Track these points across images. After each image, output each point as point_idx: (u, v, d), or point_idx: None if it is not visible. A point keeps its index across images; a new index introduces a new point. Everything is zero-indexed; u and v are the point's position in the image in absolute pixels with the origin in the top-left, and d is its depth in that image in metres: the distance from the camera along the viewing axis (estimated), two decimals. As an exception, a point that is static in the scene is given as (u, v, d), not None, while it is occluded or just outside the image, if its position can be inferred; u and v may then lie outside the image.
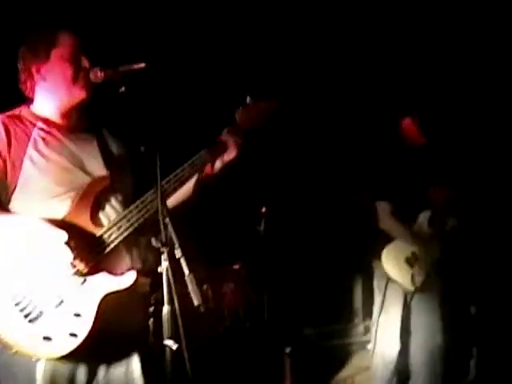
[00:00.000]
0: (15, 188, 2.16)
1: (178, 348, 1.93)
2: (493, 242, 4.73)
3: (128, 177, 2.41)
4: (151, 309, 3.43)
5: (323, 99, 5.33)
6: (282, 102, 2.60)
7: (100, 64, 2.25)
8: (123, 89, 2.14)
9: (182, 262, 1.91)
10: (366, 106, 5.33)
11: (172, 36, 4.60)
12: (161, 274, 1.95)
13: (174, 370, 1.98)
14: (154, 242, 1.95)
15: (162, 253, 1.93)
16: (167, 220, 1.97)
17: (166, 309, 1.94)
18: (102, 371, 2.24)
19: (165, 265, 1.93)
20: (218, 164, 2.47)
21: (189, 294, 1.90)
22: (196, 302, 1.89)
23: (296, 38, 5.13)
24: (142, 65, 2.17)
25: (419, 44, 5.23)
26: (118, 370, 2.27)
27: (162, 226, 1.96)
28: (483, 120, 5.16)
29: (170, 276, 1.93)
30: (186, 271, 1.91)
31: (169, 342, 1.93)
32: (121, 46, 3.53)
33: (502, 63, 5.11)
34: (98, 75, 2.23)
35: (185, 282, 1.91)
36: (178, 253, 1.92)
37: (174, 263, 1.94)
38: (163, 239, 1.95)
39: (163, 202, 2.03)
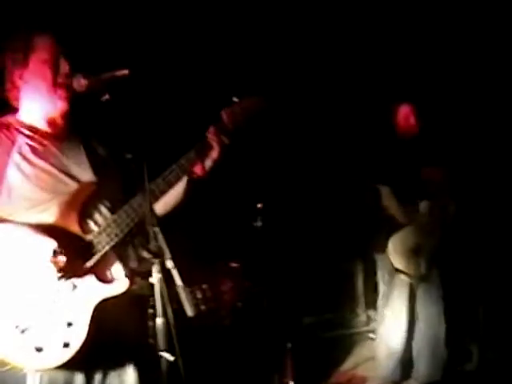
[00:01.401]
0: (0, 194, 2.13)
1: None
2: (492, 229, 4.73)
3: (115, 183, 2.38)
4: (151, 311, 3.40)
5: (317, 88, 5.29)
6: (272, 95, 2.58)
7: (82, 71, 2.21)
8: (107, 96, 2.11)
9: (174, 272, 1.88)
10: (359, 93, 5.30)
11: (154, 38, 4.56)
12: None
13: (169, 379, 1.96)
14: (145, 253, 1.92)
15: (153, 264, 1.90)
16: (157, 230, 1.94)
17: (159, 321, 1.92)
18: (97, 380, 2.21)
19: (157, 276, 1.90)
20: (205, 164, 2.44)
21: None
22: (189, 314, 1.87)
23: (284, 27, 5.08)
24: (126, 71, 2.13)
25: (412, 32, 5.20)
26: (113, 377, 2.24)
27: (151, 236, 1.93)
28: (477, 105, 5.14)
29: (164, 287, 1.90)
30: (179, 282, 1.88)
31: (165, 354, 1.91)
32: (102, 52, 3.49)
33: (494, 49, 5.08)
34: (81, 83, 2.19)
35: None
36: (169, 263, 1.89)
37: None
38: (154, 250, 1.92)
39: (152, 212, 1.99)
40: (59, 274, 2.04)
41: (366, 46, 5.30)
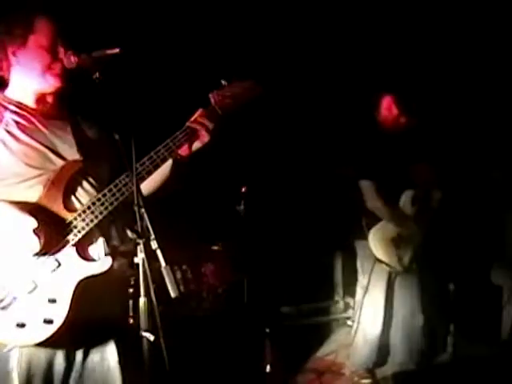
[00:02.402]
0: None
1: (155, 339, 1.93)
2: (473, 218, 4.77)
3: (102, 163, 2.37)
4: (131, 290, 3.41)
5: (303, 76, 5.29)
6: (259, 82, 2.56)
7: (73, 49, 2.20)
8: (97, 75, 2.10)
9: (158, 253, 1.90)
10: (346, 83, 5.31)
11: (145, 19, 4.54)
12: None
13: (151, 358, 1.97)
14: (129, 233, 1.93)
15: (138, 244, 1.91)
16: (142, 210, 1.95)
17: (142, 300, 1.93)
18: (78, 358, 2.23)
19: (141, 256, 1.91)
20: (192, 146, 2.43)
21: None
22: (173, 294, 1.88)
23: (273, 17, 5.08)
24: (117, 50, 2.13)
25: (399, 25, 5.21)
26: (94, 355, 2.26)
27: (137, 217, 1.94)
28: (464, 96, 5.18)
29: (147, 267, 1.91)
30: (163, 263, 1.89)
31: (146, 334, 1.93)
32: (94, 31, 3.47)
33: (485, 40, 5.10)
34: (71, 60, 2.19)
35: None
36: (153, 244, 1.90)
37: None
38: (139, 230, 1.92)
39: (139, 192, 2.00)
40: (41, 252, 2.04)
41: (352, 39, 5.30)
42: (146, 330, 1.94)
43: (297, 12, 5.12)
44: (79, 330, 2.10)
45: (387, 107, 4.24)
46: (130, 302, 3.30)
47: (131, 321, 3.33)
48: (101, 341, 2.27)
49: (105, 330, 2.26)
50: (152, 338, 1.92)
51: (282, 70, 5.02)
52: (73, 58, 2.19)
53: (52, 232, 2.06)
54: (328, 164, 4.82)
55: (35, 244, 2.02)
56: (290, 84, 5.17)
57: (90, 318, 2.12)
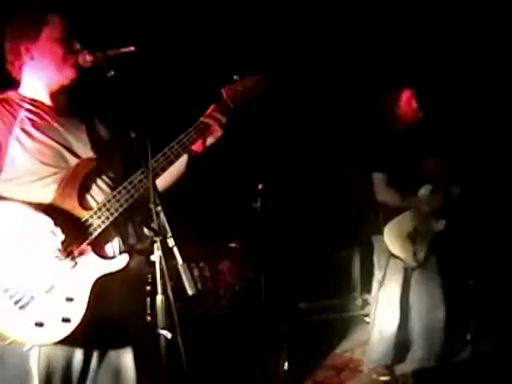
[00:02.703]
0: (2, 169, 2.13)
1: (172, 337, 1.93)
2: (492, 213, 4.73)
3: (116, 161, 2.38)
4: (148, 287, 3.41)
5: (317, 73, 5.29)
6: (272, 78, 2.57)
7: (88, 48, 2.20)
8: (112, 73, 2.10)
9: (175, 251, 1.89)
10: (360, 79, 5.29)
11: (159, 17, 4.55)
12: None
13: (168, 356, 1.97)
14: (146, 231, 1.93)
15: (155, 242, 1.91)
16: (159, 208, 1.94)
17: (159, 298, 1.93)
18: (95, 356, 2.23)
19: (158, 254, 1.91)
20: (205, 142, 2.44)
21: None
22: (190, 292, 1.88)
23: (283, 14, 5.07)
24: (132, 48, 2.13)
25: (410, 21, 5.19)
26: (111, 354, 2.27)
27: (154, 215, 1.93)
28: (478, 91, 5.14)
29: (164, 265, 1.91)
30: (180, 260, 1.89)
31: (163, 332, 1.92)
32: (107, 30, 3.48)
33: (492, 41, 5.07)
34: (86, 59, 2.19)
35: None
36: (170, 242, 1.90)
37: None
38: (156, 228, 1.92)
39: (155, 190, 1.99)
40: (59, 251, 2.04)
41: (365, 36, 5.29)
42: (163, 328, 1.94)
43: (307, 10, 5.11)
44: (96, 328, 2.10)
45: (407, 101, 4.21)
46: (148, 299, 3.30)
47: (148, 318, 3.33)
48: (118, 339, 2.27)
49: (122, 328, 2.26)
50: (169, 335, 1.92)
51: (298, 69, 5.01)
52: (88, 57, 2.19)
53: (68, 230, 2.05)
54: (343, 160, 4.81)
55: (52, 243, 2.02)
56: (305, 81, 5.16)
57: (107, 316, 2.13)
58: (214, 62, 4.56)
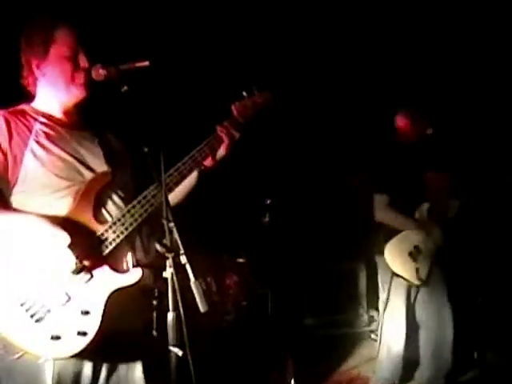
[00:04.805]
0: (16, 182, 2.13)
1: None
2: (495, 229, 4.71)
3: (129, 176, 2.38)
4: (154, 302, 3.40)
5: (324, 91, 5.31)
6: (280, 94, 2.62)
7: (101, 61, 2.20)
8: (125, 87, 2.10)
9: (188, 268, 1.88)
10: (363, 98, 5.31)
11: (168, 33, 4.57)
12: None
13: (177, 372, 1.96)
14: (158, 247, 1.92)
15: (167, 258, 1.90)
16: (172, 225, 1.93)
17: (170, 315, 1.92)
18: (104, 370, 2.22)
19: (170, 271, 1.90)
20: (216, 157, 2.47)
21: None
22: (202, 309, 1.86)
23: (291, 29, 5.10)
24: (146, 63, 2.13)
25: (413, 36, 5.20)
26: (120, 367, 2.25)
27: (166, 231, 1.92)
28: (476, 102, 5.14)
29: (175, 282, 1.90)
30: (192, 278, 1.88)
31: (175, 349, 1.91)
32: (120, 43, 3.49)
33: (500, 50, 5.07)
34: (99, 73, 2.19)
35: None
36: (183, 259, 1.89)
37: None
38: (168, 244, 1.91)
39: (168, 206, 1.99)
40: (74, 265, 2.03)
41: (368, 52, 5.30)
42: (174, 345, 1.92)
43: (316, 24, 5.13)
44: (106, 342, 2.08)
45: (402, 123, 4.21)
46: (154, 313, 3.28)
47: (155, 333, 3.31)
48: (126, 353, 2.26)
49: (130, 342, 2.24)
50: (180, 353, 1.90)
51: (304, 84, 5.03)
52: (101, 71, 2.18)
53: (83, 244, 2.05)
54: (350, 175, 4.81)
55: (68, 257, 2.01)
56: (312, 98, 5.17)
57: (117, 329, 2.11)
58: (224, 78, 4.58)
